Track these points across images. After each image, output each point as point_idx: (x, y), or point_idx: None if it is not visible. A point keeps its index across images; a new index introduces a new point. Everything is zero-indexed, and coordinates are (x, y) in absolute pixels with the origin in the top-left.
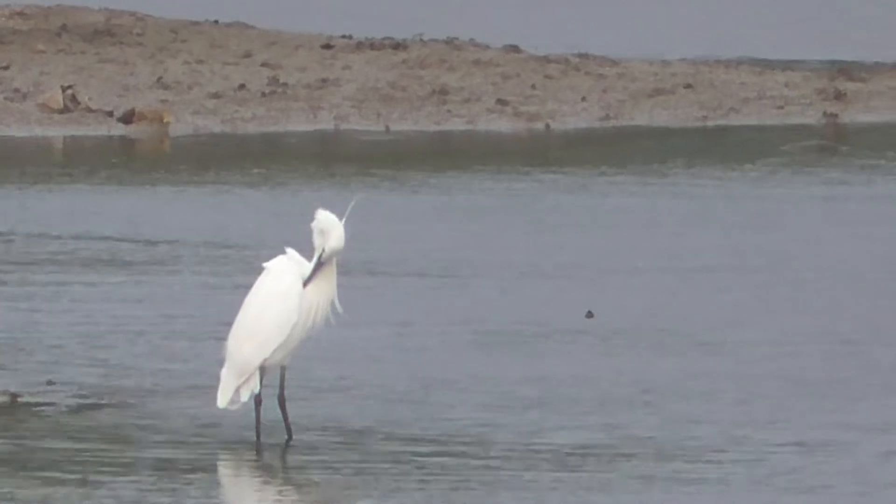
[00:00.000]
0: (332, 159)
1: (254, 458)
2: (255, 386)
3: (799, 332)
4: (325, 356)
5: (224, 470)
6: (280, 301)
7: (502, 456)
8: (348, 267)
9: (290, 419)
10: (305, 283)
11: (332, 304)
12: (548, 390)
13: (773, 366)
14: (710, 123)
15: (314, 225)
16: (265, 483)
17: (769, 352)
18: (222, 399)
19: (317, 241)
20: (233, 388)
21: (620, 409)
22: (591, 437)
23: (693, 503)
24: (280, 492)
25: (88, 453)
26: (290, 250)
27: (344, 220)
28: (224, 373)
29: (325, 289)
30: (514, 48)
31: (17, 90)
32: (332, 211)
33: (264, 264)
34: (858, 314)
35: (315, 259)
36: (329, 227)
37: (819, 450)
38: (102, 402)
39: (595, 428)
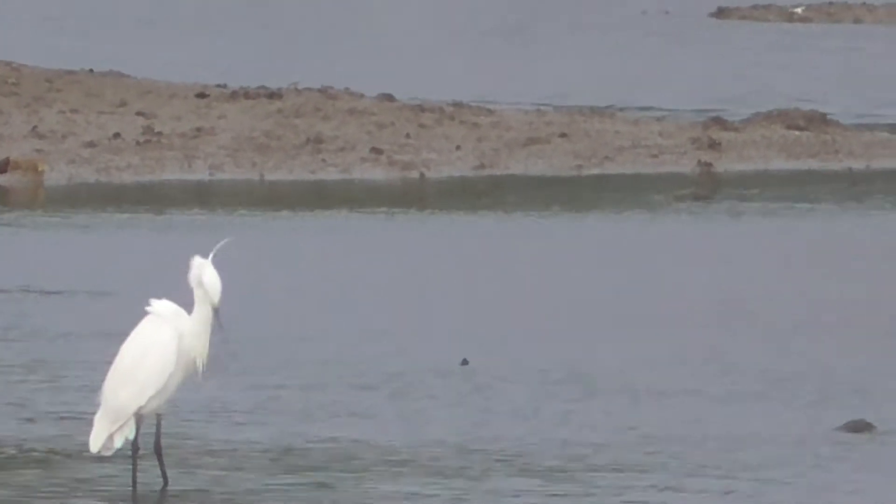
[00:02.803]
0: (206, 208)
1: None
2: (129, 432)
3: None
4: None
5: None
6: (157, 350)
7: None
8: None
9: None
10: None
11: (205, 357)
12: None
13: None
14: (585, 172)
15: (192, 276)
16: None
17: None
18: (95, 444)
19: (198, 293)
20: (106, 433)
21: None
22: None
23: None
24: None
25: None
26: (167, 302)
27: (211, 257)
28: (97, 418)
29: (202, 338)
30: (389, 97)
31: None
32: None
33: (147, 308)
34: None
35: (210, 313)
36: (200, 270)
37: None
38: None
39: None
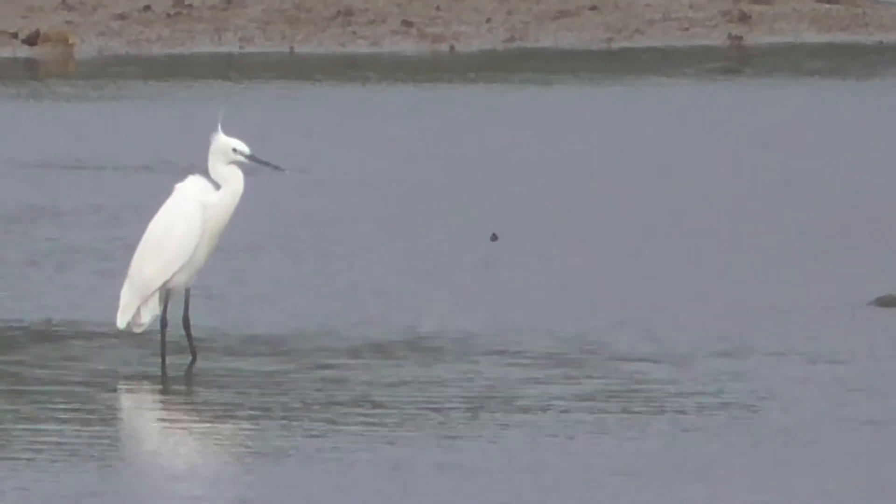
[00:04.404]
0: (235, 80)
1: (159, 379)
2: (155, 308)
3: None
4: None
5: (128, 393)
6: (183, 223)
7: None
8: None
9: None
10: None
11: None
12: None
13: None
14: (616, 45)
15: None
16: (171, 403)
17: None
18: (122, 320)
19: (224, 173)
20: (133, 308)
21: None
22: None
23: None
24: (185, 412)
25: None
26: (196, 176)
27: (219, 126)
28: (124, 293)
29: (226, 214)
30: None
31: None
32: (233, 132)
33: (176, 186)
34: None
35: (259, 161)
36: (226, 140)
37: None
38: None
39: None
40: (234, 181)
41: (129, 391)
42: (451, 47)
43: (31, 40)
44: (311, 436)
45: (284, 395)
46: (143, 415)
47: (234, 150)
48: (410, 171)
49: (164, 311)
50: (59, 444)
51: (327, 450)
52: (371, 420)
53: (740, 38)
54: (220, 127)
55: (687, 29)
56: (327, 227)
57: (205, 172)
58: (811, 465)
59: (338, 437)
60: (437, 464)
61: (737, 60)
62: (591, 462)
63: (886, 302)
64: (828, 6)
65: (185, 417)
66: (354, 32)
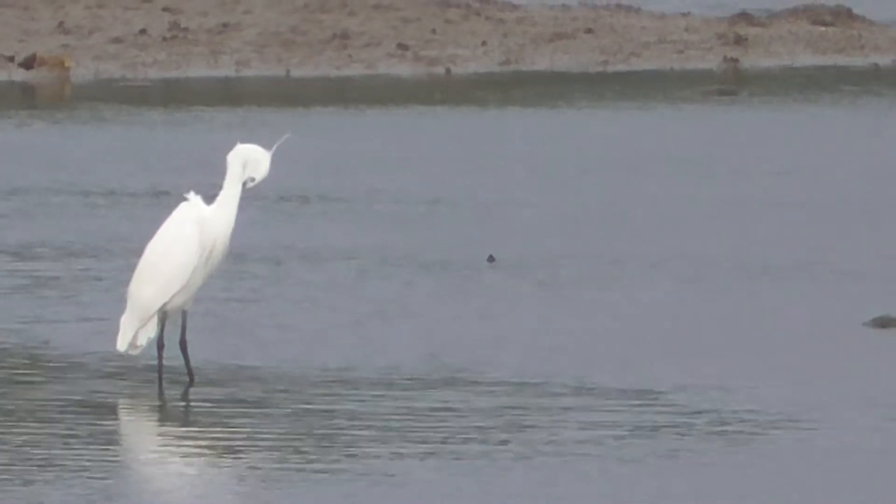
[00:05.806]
0: (232, 104)
1: (156, 402)
2: (152, 330)
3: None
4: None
5: (125, 415)
6: (180, 245)
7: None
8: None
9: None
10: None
11: (227, 246)
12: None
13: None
14: (611, 68)
15: (237, 156)
16: (167, 427)
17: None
18: (122, 343)
19: (236, 171)
20: (132, 332)
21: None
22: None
23: None
24: (182, 436)
25: None
26: (191, 195)
27: (273, 151)
28: (124, 317)
29: (226, 221)
30: None
31: None
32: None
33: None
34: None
35: (237, 188)
36: (261, 157)
37: None
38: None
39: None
40: (231, 187)
41: (123, 416)
42: (447, 70)
43: (28, 64)
44: (306, 467)
45: (279, 426)
46: (138, 440)
47: (253, 180)
48: (406, 194)
49: (161, 332)
50: (54, 467)
51: (321, 480)
52: (370, 452)
53: (736, 60)
54: (274, 149)
55: (682, 52)
56: (322, 253)
57: (201, 196)
58: (815, 486)
59: (330, 468)
60: (427, 484)
61: (733, 83)
62: (618, 493)
63: (883, 323)
64: (823, 28)
65: (182, 444)
66: (350, 56)
